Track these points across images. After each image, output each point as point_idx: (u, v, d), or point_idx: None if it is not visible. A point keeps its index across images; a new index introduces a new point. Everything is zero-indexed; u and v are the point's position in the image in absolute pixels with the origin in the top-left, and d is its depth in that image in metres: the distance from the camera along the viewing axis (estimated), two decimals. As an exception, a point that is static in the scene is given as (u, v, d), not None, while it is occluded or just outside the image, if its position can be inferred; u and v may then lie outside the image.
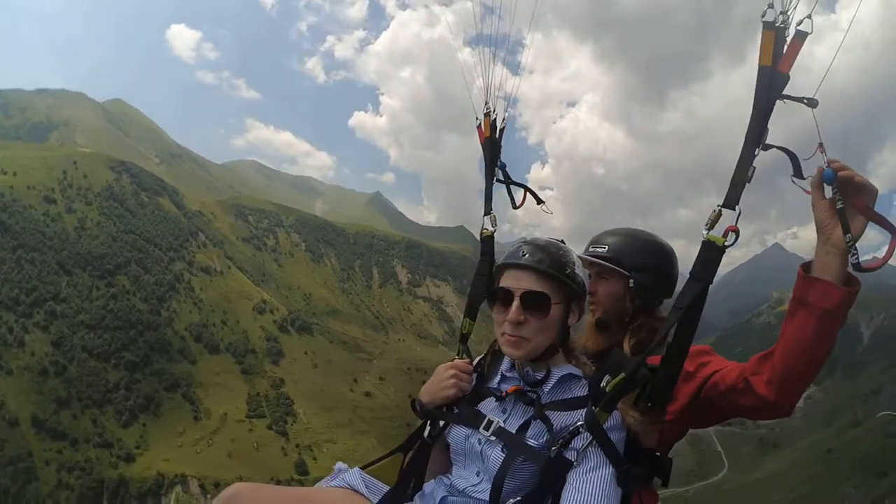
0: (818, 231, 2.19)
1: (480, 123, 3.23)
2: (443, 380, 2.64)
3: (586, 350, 2.81)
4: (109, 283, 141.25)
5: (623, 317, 3.03)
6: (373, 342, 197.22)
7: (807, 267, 2.23)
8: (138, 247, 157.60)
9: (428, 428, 2.65)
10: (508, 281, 2.41)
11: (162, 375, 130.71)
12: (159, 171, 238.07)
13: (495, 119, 3.20)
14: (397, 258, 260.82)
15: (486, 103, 3.19)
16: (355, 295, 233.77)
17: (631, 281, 3.00)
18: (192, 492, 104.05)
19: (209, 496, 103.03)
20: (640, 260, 3.03)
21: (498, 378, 2.59)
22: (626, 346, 2.87)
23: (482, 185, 3.19)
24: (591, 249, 3.14)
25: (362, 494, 2.57)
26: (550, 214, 3.38)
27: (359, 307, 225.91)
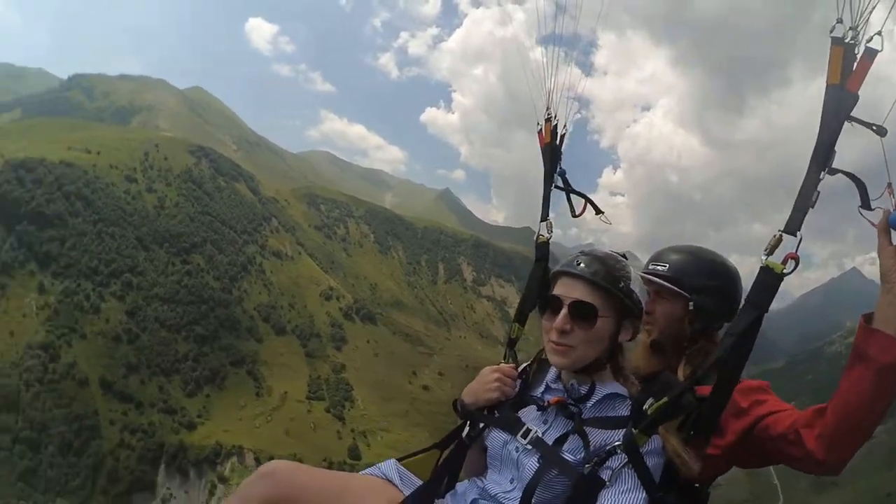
0: (882, 279, 2.08)
1: (541, 129, 3.19)
2: (487, 382, 2.61)
3: (638, 371, 2.71)
4: (185, 261, 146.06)
5: (680, 340, 2.88)
6: (434, 337, 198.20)
7: (868, 318, 2.11)
8: (214, 228, 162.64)
9: (467, 428, 2.62)
10: (560, 289, 2.39)
11: (229, 351, 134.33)
12: (236, 158, 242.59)
13: (556, 125, 3.16)
14: (463, 255, 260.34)
15: (548, 108, 3.16)
16: (420, 289, 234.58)
17: (691, 303, 2.85)
18: (247, 464, 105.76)
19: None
20: (702, 281, 2.86)
21: (542, 387, 2.57)
22: (681, 372, 2.75)
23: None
24: (650, 267, 3.00)
25: (395, 485, 2.56)
26: (609, 225, 3.29)
27: (423, 301, 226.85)
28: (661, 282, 2.87)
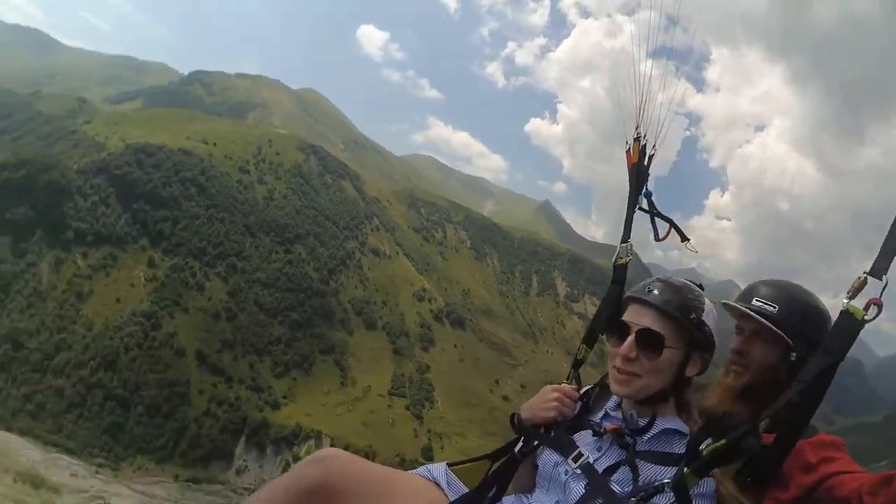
0: None
1: (630, 148, 3.14)
2: (546, 400, 2.60)
3: (710, 411, 2.50)
4: (288, 250, 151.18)
5: (772, 389, 2.59)
6: (521, 348, 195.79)
7: None
8: (318, 222, 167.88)
9: (520, 444, 2.63)
10: (630, 315, 2.36)
11: (320, 339, 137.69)
12: (343, 157, 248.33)
13: (645, 145, 3.10)
14: (558, 270, 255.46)
15: (637, 127, 3.10)
16: (511, 299, 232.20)
17: (793, 353, 2.64)
18: (323, 448, 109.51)
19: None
20: (808, 331, 2.63)
21: (601, 413, 2.52)
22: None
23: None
24: (756, 303, 2.77)
25: (442, 489, 2.60)
26: (695, 253, 3.32)
27: (513, 312, 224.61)
28: (766, 323, 2.68)
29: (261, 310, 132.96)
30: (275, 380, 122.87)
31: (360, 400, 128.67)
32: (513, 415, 2.68)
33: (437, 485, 2.60)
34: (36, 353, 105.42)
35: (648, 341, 2.24)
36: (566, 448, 2.37)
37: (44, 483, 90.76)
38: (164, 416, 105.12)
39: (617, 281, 2.97)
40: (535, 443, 2.54)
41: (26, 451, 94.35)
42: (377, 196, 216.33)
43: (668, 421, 2.31)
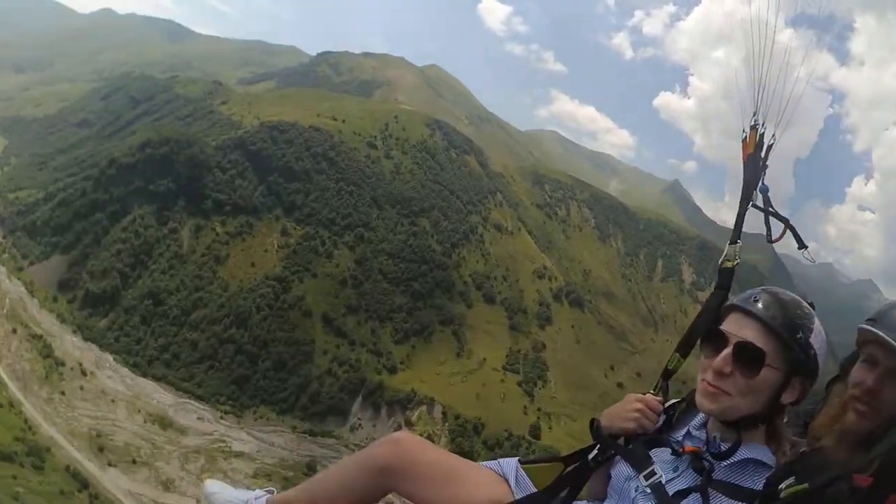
0: None
1: (746, 136, 2.92)
2: (628, 410, 2.46)
3: (820, 452, 2.13)
4: (413, 223, 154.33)
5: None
6: (640, 335, 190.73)
7: None
8: (442, 196, 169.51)
9: (595, 451, 2.50)
10: (730, 325, 2.16)
11: (440, 310, 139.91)
12: (468, 132, 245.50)
13: (763, 133, 2.87)
14: (685, 255, 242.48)
15: (755, 114, 2.87)
16: (634, 283, 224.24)
17: None
18: (434, 416, 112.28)
19: (446, 423, 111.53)
20: None
21: (684, 431, 2.37)
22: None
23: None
24: None
25: (509, 486, 2.54)
26: (813, 263, 3.49)
27: (634, 296, 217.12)
28: None
29: (384, 278, 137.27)
30: (394, 345, 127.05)
31: (473, 372, 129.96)
32: (592, 420, 2.57)
33: (506, 480, 2.56)
34: (174, 309, 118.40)
35: (747, 357, 2.02)
36: (641, 463, 2.25)
37: (171, 424, 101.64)
38: (288, 372, 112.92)
39: (721, 286, 2.74)
40: (611, 452, 2.44)
41: (158, 395, 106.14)
42: (501, 171, 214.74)
43: (753, 450, 2.12)
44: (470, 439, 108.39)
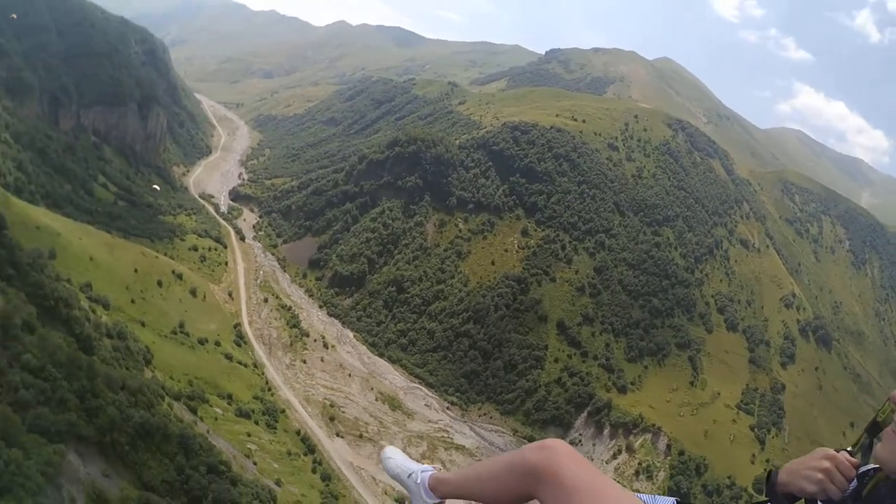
0: None
1: None
2: (813, 468, 2.08)
3: None
4: (656, 232, 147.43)
5: None
6: (886, 391, 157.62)
7: None
8: (687, 204, 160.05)
9: None
10: None
11: (678, 331, 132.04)
12: (706, 132, 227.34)
13: None
14: None
15: None
16: (887, 324, 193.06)
17: None
18: (658, 447, 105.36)
19: (668, 458, 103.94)
20: None
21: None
22: None
23: None
24: None
25: None
26: None
27: (887, 340, 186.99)
28: None
29: (624, 290, 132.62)
30: (627, 363, 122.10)
31: (705, 406, 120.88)
32: (769, 472, 2.29)
33: None
34: (416, 298, 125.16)
35: None
36: None
37: (400, 406, 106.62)
38: (518, 374, 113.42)
39: None
40: None
41: (391, 377, 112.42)
42: (747, 178, 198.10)
43: None
44: (690, 479, 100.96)
